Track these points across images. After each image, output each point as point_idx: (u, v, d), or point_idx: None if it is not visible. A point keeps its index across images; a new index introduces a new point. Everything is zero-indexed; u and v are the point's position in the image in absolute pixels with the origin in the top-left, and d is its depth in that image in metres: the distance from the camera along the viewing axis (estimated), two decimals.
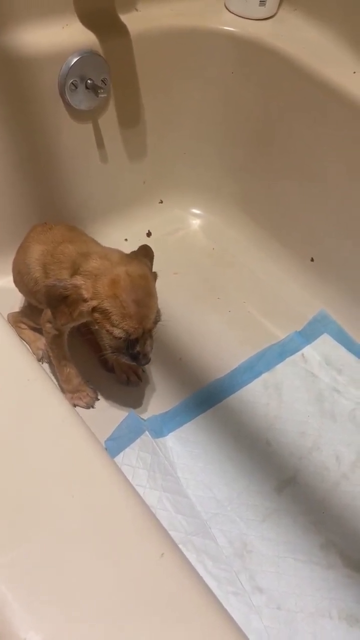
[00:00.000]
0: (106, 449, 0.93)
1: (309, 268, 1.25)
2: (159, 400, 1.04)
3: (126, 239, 1.27)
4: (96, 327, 0.86)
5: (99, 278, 0.82)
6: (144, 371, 1.07)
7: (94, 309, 0.83)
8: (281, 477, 0.97)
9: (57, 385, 0.88)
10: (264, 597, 0.84)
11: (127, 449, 0.94)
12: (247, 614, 0.82)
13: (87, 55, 1.03)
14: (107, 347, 0.89)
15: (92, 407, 1.01)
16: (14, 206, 1.14)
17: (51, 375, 1.01)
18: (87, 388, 1.01)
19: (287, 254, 1.28)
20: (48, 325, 0.92)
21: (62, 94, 1.04)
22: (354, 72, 1.06)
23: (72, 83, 1.03)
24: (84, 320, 0.87)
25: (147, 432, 0.95)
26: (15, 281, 1.04)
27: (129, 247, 0.93)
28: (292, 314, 1.19)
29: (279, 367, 1.11)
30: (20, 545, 0.50)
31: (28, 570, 0.49)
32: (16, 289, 1.05)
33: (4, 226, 1.13)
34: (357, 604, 0.84)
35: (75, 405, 1.00)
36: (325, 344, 1.15)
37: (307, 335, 1.16)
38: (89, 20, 1.05)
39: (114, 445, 0.94)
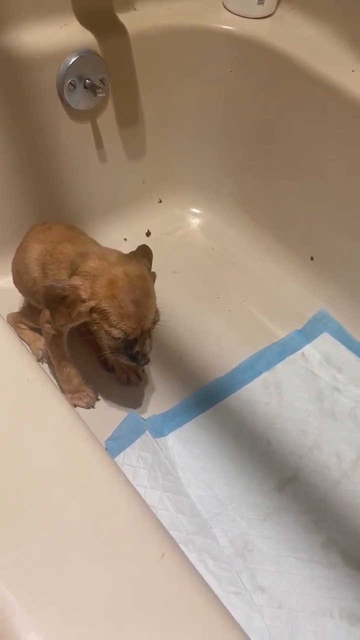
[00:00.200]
0: (107, 449, 0.93)
1: (308, 267, 1.24)
2: (159, 399, 1.04)
3: (125, 239, 1.27)
4: (95, 327, 0.86)
5: (97, 278, 0.82)
6: (143, 371, 1.07)
7: (92, 310, 0.83)
8: (282, 475, 0.97)
9: (57, 386, 0.88)
10: (265, 596, 0.83)
11: (128, 449, 0.94)
12: (249, 613, 0.82)
13: (86, 55, 1.03)
14: (106, 348, 0.89)
15: (93, 407, 1.01)
16: (13, 206, 1.13)
17: (51, 375, 1.01)
18: (87, 388, 1.01)
19: (286, 253, 1.28)
20: (47, 325, 0.92)
21: (60, 94, 1.04)
22: (353, 71, 1.06)
23: (70, 83, 1.03)
24: (82, 320, 0.87)
25: (147, 432, 0.95)
26: (14, 281, 1.04)
27: (128, 247, 0.93)
28: (292, 313, 1.19)
29: (279, 366, 1.11)
30: (20, 545, 0.50)
31: (29, 571, 0.49)
32: (16, 289, 1.05)
33: (4, 226, 1.13)
34: (359, 603, 0.84)
35: (75, 406, 1.00)
36: (325, 342, 1.15)
37: (307, 334, 1.16)
38: (87, 19, 1.05)
39: (115, 445, 0.94)
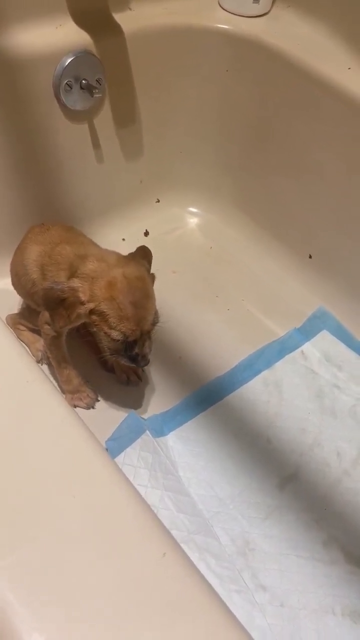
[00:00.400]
0: (107, 449, 0.93)
1: (307, 265, 1.24)
2: (159, 399, 1.04)
3: (124, 239, 1.27)
4: (94, 329, 0.86)
5: (96, 280, 0.82)
6: (143, 371, 1.07)
7: (91, 312, 0.83)
8: (282, 474, 0.97)
9: (57, 387, 0.88)
10: (267, 595, 0.84)
11: (128, 449, 0.94)
12: (250, 611, 0.82)
13: (82, 55, 1.03)
14: (105, 349, 0.89)
15: (93, 407, 1.01)
16: (10, 207, 1.13)
17: (50, 376, 1.01)
18: (87, 389, 1.01)
19: (285, 252, 1.28)
20: (46, 327, 0.92)
21: (57, 95, 1.04)
22: (349, 68, 1.06)
23: (66, 83, 1.03)
24: (81, 322, 0.88)
25: (147, 432, 0.95)
26: (13, 283, 1.03)
27: (126, 247, 0.93)
28: (291, 311, 1.19)
29: (279, 364, 1.11)
30: (21, 546, 0.50)
31: (30, 572, 0.49)
32: (14, 291, 1.05)
33: (1, 228, 1.13)
34: None
35: (75, 406, 1.00)
36: (324, 340, 1.15)
37: (307, 332, 1.16)
38: (82, 20, 1.04)
39: (115, 445, 0.94)
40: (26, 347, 1.05)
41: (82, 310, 0.83)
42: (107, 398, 1.03)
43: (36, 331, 1.04)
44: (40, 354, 1.05)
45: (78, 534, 0.51)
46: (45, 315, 0.90)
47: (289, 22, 1.17)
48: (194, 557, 0.83)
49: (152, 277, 0.90)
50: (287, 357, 1.12)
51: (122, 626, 0.47)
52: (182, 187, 1.37)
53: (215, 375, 1.09)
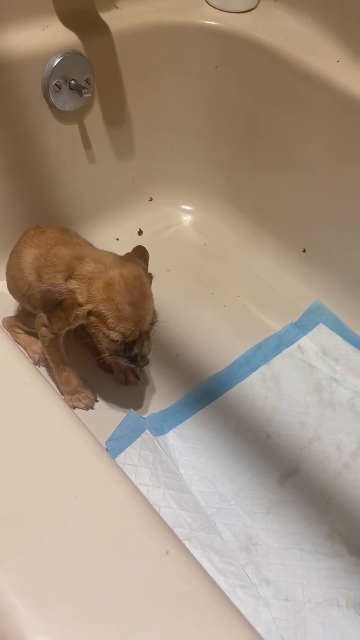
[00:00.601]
0: (107, 449, 0.93)
1: (301, 259, 1.25)
2: (159, 398, 1.05)
3: (118, 239, 1.27)
4: (93, 330, 0.86)
5: (94, 282, 0.82)
6: (142, 371, 1.07)
7: (89, 313, 0.83)
8: (283, 469, 0.97)
9: (55, 389, 0.88)
10: (271, 589, 0.84)
11: (129, 449, 0.94)
12: (256, 606, 0.82)
13: (70, 56, 1.02)
14: (104, 351, 0.89)
15: (92, 408, 1.01)
16: (3, 210, 1.13)
17: (49, 378, 1.01)
18: (86, 390, 1.01)
19: (279, 246, 1.28)
20: (44, 329, 0.92)
21: (46, 96, 1.04)
22: (338, 61, 1.06)
23: (55, 84, 1.03)
24: (80, 324, 0.87)
25: (147, 431, 0.95)
26: (9, 287, 1.03)
27: (121, 247, 0.93)
28: (287, 306, 1.20)
29: (277, 359, 1.11)
30: (25, 549, 0.50)
31: (34, 574, 0.49)
32: (10, 294, 1.04)
33: None
34: None
35: (74, 408, 1.00)
36: (321, 334, 1.15)
37: (303, 326, 1.16)
38: (69, 20, 1.04)
39: (115, 445, 0.94)
40: (23, 350, 1.05)
41: (81, 312, 0.82)
42: (106, 398, 1.03)
43: (33, 334, 1.04)
44: (37, 356, 1.05)
45: (81, 535, 0.51)
46: (43, 318, 0.90)
47: (277, 17, 1.17)
48: (197, 554, 0.84)
49: (150, 277, 0.90)
50: (284, 351, 1.12)
51: (129, 625, 0.47)
52: (174, 185, 1.37)
53: (214, 372, 1.09)
